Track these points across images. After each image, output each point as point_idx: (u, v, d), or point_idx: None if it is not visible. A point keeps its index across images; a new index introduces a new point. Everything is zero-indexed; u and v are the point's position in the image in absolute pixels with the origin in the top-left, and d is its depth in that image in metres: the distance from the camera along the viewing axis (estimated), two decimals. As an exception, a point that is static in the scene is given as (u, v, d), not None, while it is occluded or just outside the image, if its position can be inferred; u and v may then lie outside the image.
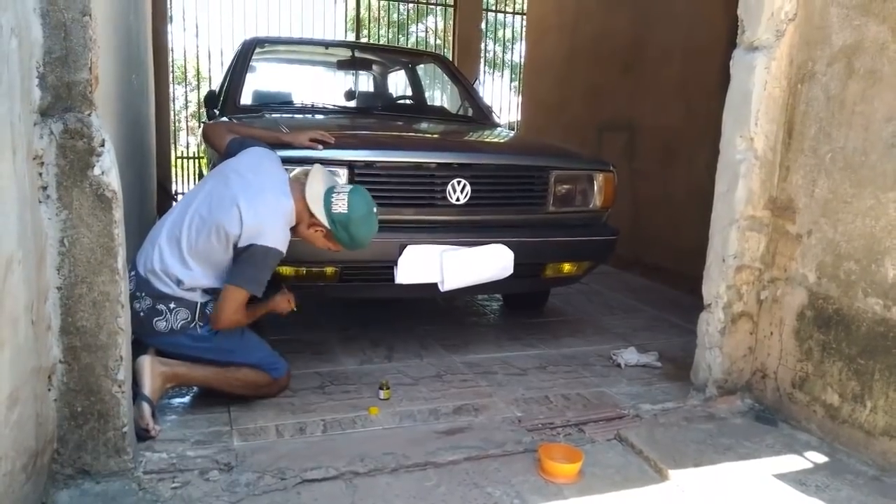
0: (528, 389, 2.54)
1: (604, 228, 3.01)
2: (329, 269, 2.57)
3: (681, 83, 4.44)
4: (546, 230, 2.85)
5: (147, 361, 2.06)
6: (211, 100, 3.76)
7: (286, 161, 2.36)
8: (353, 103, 4.18)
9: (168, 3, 6.88)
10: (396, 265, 2.55)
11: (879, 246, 1.98)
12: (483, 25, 8.69)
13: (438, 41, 11.33)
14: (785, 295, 2.32)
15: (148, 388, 2.02)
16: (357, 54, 4.57)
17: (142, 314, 2.09)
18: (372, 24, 9.47)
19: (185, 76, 9.40)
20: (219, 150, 2.42)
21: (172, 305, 2.11)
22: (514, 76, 9.96)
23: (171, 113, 7.45)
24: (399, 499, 1.76)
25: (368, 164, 2.57)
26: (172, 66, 7.53)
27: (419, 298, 3.63)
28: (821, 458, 2.04)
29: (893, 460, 1.94)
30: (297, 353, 2.72)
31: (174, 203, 4.24)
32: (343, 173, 2.51)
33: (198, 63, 8.00)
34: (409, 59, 4.97)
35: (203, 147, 3.58)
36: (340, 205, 2.16)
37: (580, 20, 5.77)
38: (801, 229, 2.25)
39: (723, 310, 2.41)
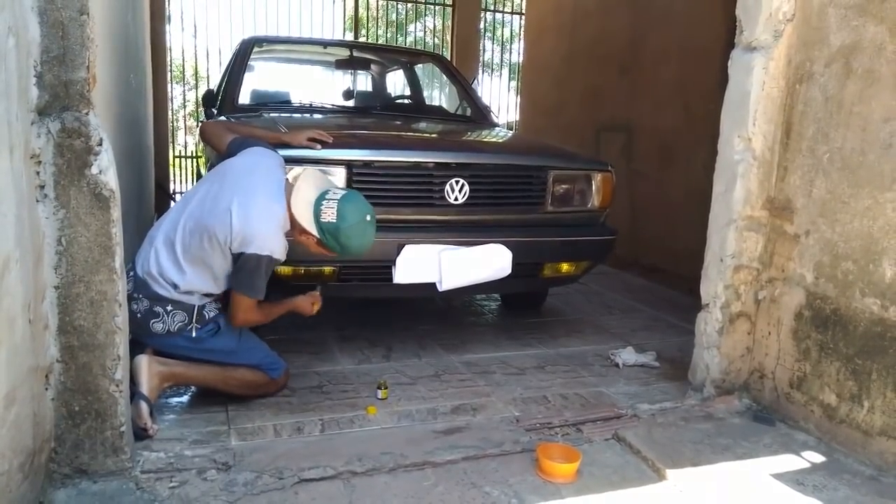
0: (526, 389, 2.54)
1: (602, 228, 3.01)
2: (327, 269, 2.57)
3: (679, 84, 4.45)
4: (544, 230, 2.85)
5: (145, 361, 2.05)
6: (209, 99, 3.76)
7: (284, 160, 2.35)
8: (351, 103, 4.17)
9: (166, 2, 6.88)
10: (394, 265, 2.55)
11: (877, 246, 1.98)
12: (482, 25, 8.68)
13: (437, 41, 11.32)
14: (783, 295, 2.32)
15: (146, 387, 2.02)
16: (355, 54, 4.56)
17: (139, 315, 2.09)
18: (370, 24, 9.46)
19: (184, 75, 9.39)
20: (219, 150, 2.39)
21: (169, 308, 2.11)
22: (512, 76, 9.95)
23: (170, 112, 7.44)
24: (397, 498, 1.76)
25: (366, 164, 2.57)
26: (171, 66, 7.52)
27: (417, 298, 3.63)
28: (818, 458, 2.04)
29: (891, 460, 1.94)
30: (295, 353, 2.72)
31: (172, 203, 4.23)
32: (341, 173, 2.50)
33: (196, 62, 7.99)
34: (408, 58, 4.97)
35: (201, 146, 3.58)
36: (329, 213, 2.07)
37: (578, 20, 5.77)
38: (798, 229, 2.25)
39: (721, 310, 2.41)
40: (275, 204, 2.11)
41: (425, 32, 12.47)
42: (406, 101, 4.59)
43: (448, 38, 8.51)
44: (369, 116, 3.70)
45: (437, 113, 4.33)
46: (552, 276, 2.99)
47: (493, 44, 9.97)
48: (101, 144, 1.59)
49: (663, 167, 4.62)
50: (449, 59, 7.07)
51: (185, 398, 2.33)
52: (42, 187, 1.56)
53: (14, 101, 1.39)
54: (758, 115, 2.31)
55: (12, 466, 1.41)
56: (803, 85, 2.24)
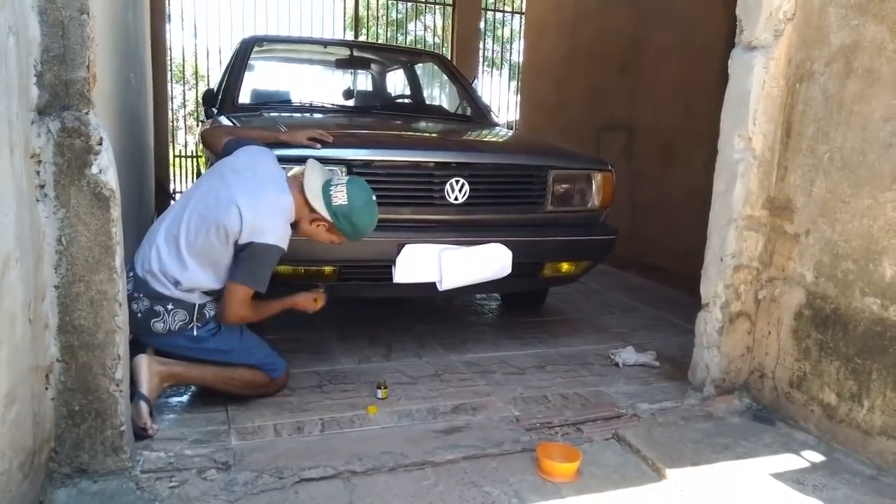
0: (526, 389, 2.54)
1: (602, 228, 3.01)
2: (327, 269, 2.57)
3: (679, 83, 4.45)
4: (544, 229, 2.85)
5: (145, 360, 2.05)
6: (209, 98, 3.76)
7: (284, 160, 2.36)
8: (351, 102, 4.18)
9: (166, 1, 6.88)
10: (395, 264, 2.55)
11: (877, 246, 1.98)
12: (482, 24, 8.68)
13: (437, 40, 11.32)
14: (783, 294, 2.32)
15: (146, 387, 2.02)
16: (356, 53, 4.56)
17: (139, 315, 2.09)
18: (371, 23, 9.46)
19: (184, 75, 9.39)
20: (216, 152, 2.41)
21: (170, 307, 2.11)
22: (512, 75, 9.95)
23: (170, 112, 7.44)
24: (397, 498, 1.76)
25: (367, 163, 2.57)
26: (171, 65, 7.52)
27: (418, 297, 3.62)
28: (818, 458, 2.04)
29: (890, 459, 1.94)
30: (295, 353, 2.72)
31: (172, 202, 4.23)
32: (342, 172, 2.50)
33: (196, 62, 7.99)
34: (408, 58, 4.97)
35: (201, 147, 3.58)
36: (340, 197, 2.17)
37: (579, 20, 5.77)
38: (798, 229, 2.25)
39: (721, 309, 2.41)
40: (282, 195, 2.16)
41: (425, 31, 12.47)
42: (406, 100, 4.59)
43: (448, 37, 8.52)
44: (369, 116, 3.70)
45: (437, 112, 4.33)
46: (552, 276, 2.99)
47: (493, 43, 9.96)
48: (101, 144, 1.59)
49: (664, 166, 4.62)
50: (449, 58, 7.08)
51: (184, 398, 2.33)
52: (42, 187, 1.56)
53: (14, 100, 1.39)
54: (758, 114, 2.31)
55: (12, 466, 1.41)
56: (803, 84, 2.24)
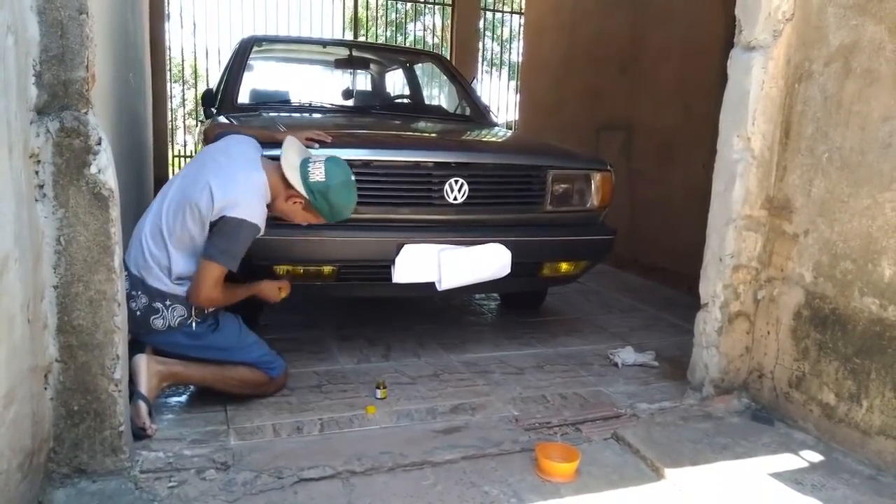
0: (525, 388, 2.54)
1: (601, 228, 3.01)
2: (326, 269, 2.57)
3: (678, 83, 4.45)
4: (543, 229, 2.85)
5: (144, 360, 2.05)
6: (208, 98, 3.75)
7: (276, 158, 2.35)
8: (350, 102, 4.17)
9: (166, 0, 6.87)
10: (394, 264, 2.55)
11: (876, 245, 1.98)
12: (481, 24, 8.69)
13: (436, 40, 11.32)
14: (782, 294, 2.32)
15: (144, 386, 2.02)
16: (355, 53, 4.56)
17: (138, 313, 2.09)
18: (370, 23, 9.46)
19: (183, 74, 9.39)
20: None
21: (168, 302, 2.11)
22: (511, 75, 9.95)
23: (169, 111, 7.44)
24: (396, 498, 1.76)
25: (366, 163, 2.57)
26: (170, 65, 7.52)
27: (417, 297, 3.62)
28: (817, 458, 2.04)
29: (889, 459, 1.94)
30: (294, 352, 2.72)
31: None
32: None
33: (195, 61, 7.99)
34: (407, 58, 4.97)
35: (200, 146, 3.58)
36: (318, 173, 2.14)
37: (578, 20, 5.77)
38: (797, 229, 2.25)
39: (720, 309, 2.41)
40: (254, 172, 2.14)
41: (425, 32, 12.47)
42: (405, 100, 4.59)
43: (448, 37, 8.52)
44: (368, 116, 3.69)
45: (437, 112, 4.33)
46: (551, 276, 2.99)
47: (492, 43, 9.96)
48: (100, 144, 1.59)
49: (663, 166, 4.62)
50: (448, 58, 7.07)
51: (183, 398, 2.33)
52: (41, 187, 1.56)
53: (13, 100, 1.39)
54: (757, 114, 2.31)
55: (11, 466, 1.41)
56: (802, 84, 2.24)
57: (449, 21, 8.37)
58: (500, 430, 2.17)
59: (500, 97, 9.27)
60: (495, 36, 9.98)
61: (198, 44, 7.65)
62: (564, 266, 2.95)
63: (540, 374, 2.71)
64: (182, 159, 8.01)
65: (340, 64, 4.47)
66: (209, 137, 2.49)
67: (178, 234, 2.09)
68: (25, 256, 1.45)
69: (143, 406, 1.98)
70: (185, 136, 8.61)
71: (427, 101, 5.07)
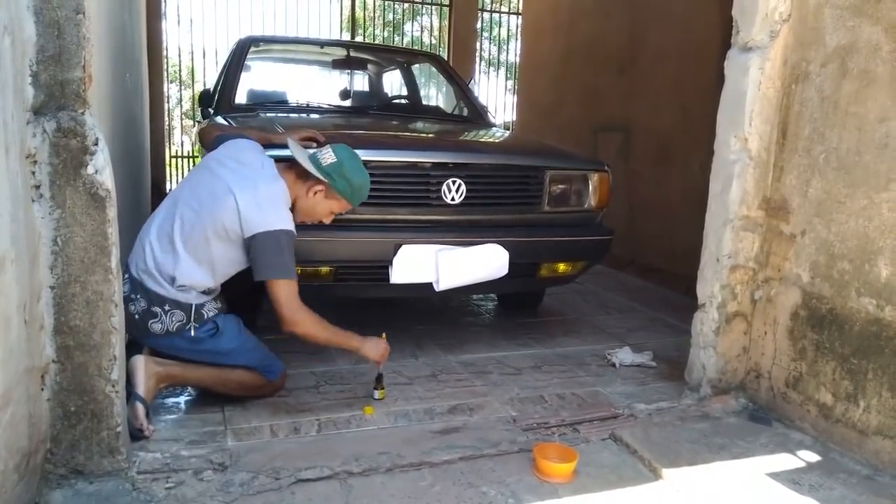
0: (522, 389, 2.54)
1: (599, 228, 3.01)
2: (324, 269, 2.56)
3: (676, 84, 4.45)
4: (541, 230, 2.85)
5: (141, 361, 2.05)
6: (205, 99, 3.75)
7: (279, 161, 2.35)
8: (348, 103, 4.17)
9: (162, 0, 6.86)
10: (391, 265, 2.55)
11: (873, 246, 1.99)
12: (479, 25, 8.69)
13: (434, 41, 11.32)
14: (779, 295, 2.32)
15: (142, 387, 2.01)
16: (352, 54, 4.56)
17: (137, 317, 2.08)
18: (367, 24, 9.46)
19: (180, 75, 9.37)
20: (209, 150, 2.41)
21: (167, 307, 2.10)
22: (509, 76, 9.96)
23: (166, 112, 7.43)
24: (394, 498, 1.76)
25: (363, 164, 2.56)
26: (167, 65, 7.51)
27: (414, 298, 3.62)
28: (814, 458, 2.05)
29: (886, 459, 1.95)
30: (291, 353, 2.71)
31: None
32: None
33: (192, 61, 7.97)
34: (405, 58, 4.97)
35: (197, 147, 3.57)
36: (328, 157, 2.19)
37: (576, 20, 5.77)
38: (794, 229, 2.26)
39: (717, 309, 2.42)
40: (273, 182, 2.17)
41: (422, 32, 12.46)
42: (403, 101, 4.59)
43: (445, 37, 8.52)
44: (366, 116, 3.70)
45: (434, 113, 4.33)
46: (549, 276, 2.99)
47: (490, 44, 9.96)
48: (96, 144, 1.59)
49: (660, 167, 4.63)
50: (446, 58, 7.08)
51: (181, 399, 2.33)
52: (38, 187, 1.56)
53: (9, 100, 1.39)
54: (754, 115, 2.32)
55: (8, 467, 1.41)
56: (799, 85, 2.24)
57: (446, 21, 8.37)
58: (498, 430, 2.17)
59: (498, 98, 9.27)
60: (493, 36, 9.99)
61: (195, 44, 7.64)
62: (562, 266, 2.95)
63: (538, 374, 2.71)
64: (179, 160, 8.00)
65: (338, 64, 4.48)
66: (206, 138, 2.50)
67: (194, 243, 2.09)
68: (22, 257, 1.45)
69: (140, 407, 1.97)
70: (181, 137, 8.60)
71: (424, 102, 5.08)
